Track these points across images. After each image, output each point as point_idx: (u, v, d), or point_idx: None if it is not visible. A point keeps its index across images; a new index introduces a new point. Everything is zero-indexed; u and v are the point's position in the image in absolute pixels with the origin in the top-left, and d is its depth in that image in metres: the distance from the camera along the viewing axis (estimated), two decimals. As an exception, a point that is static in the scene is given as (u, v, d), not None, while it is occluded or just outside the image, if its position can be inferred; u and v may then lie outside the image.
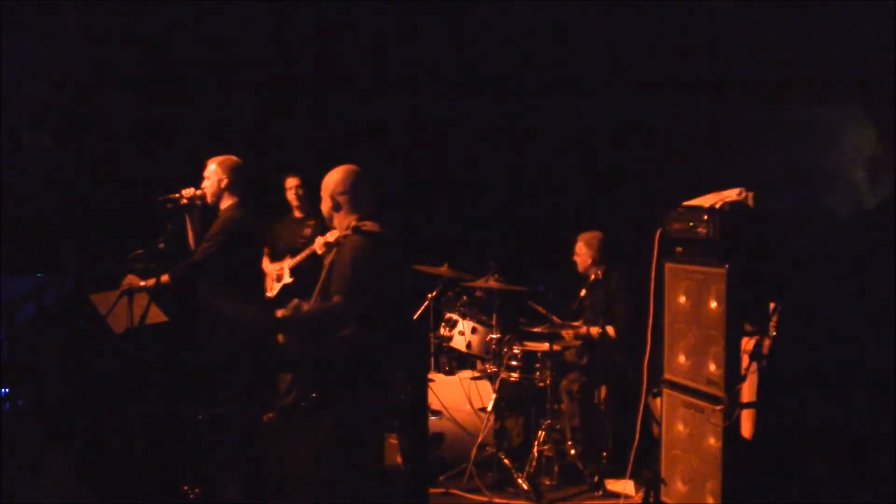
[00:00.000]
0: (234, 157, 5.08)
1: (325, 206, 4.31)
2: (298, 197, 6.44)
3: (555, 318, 6.18)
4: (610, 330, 5.94)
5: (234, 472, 4.98)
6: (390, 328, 4.21)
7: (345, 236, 4.20)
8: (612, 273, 6.07)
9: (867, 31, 4.94)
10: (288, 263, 6.33)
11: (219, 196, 5.04)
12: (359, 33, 7.61)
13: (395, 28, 7.65)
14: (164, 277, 4.84)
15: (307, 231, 6.34)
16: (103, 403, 6.07)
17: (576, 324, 6.16)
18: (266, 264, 6.39)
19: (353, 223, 4.20)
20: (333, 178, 4.28)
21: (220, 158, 5.06)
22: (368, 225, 4.18)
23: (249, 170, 5.11)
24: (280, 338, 4.26)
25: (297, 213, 6.52)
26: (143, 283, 4.88)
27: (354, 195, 4.25)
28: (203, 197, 5.03)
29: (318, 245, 5.93)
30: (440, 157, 7.79)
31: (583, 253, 6.14)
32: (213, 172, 5.03)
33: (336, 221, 4.31)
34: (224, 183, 5.01)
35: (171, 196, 4.97)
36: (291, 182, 6.44)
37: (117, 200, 6.89)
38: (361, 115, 7.58)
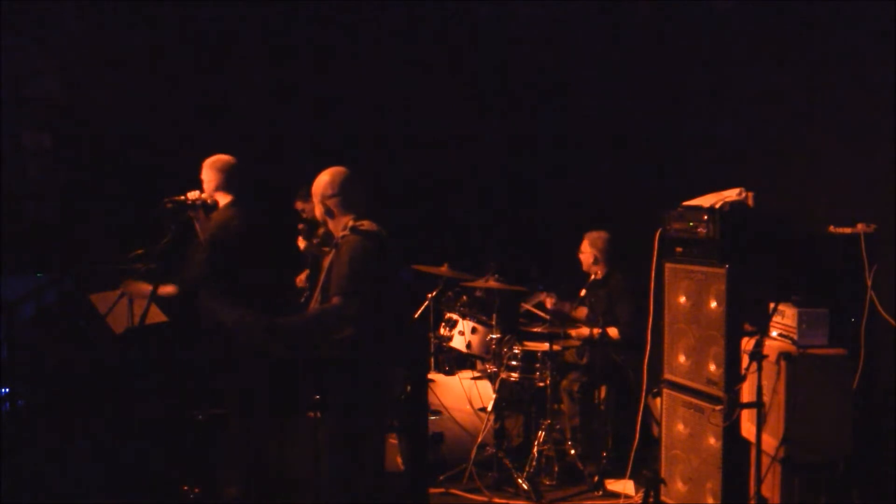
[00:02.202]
0: (224, 157, 5.05)
1: (318, 210, 4.28)
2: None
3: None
4: (612, 332, 5.95)
5: (234, 472, 4.98)
6: (389, 327, 4.20)
7: (342, 237, 4.19)
8: (614, 275, 6.08)
9: (867, 31, 4.94)
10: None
11: (215, 196, 5.03)
12: (358, 34, 7.62)
13: (395, 29, 7.66)
14: (170, 288, 4.82)
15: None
16: (103, 404, 6.06)
17: (581, 314, 6.17)
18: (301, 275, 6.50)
19: (350, 223, 4.18)
20: (322, 182, 4.25)
21: (209, 159, 5.05)
22: (366, 224, 4.17)
23: (243, 167, 5.07)
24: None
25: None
26: (145, 290, 4.83)
27: (345, 196, 4.22)
28: (206, 200, 5.02)
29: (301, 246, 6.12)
30: (441, 157, 7.80)
31: (587, 252, 6.16)
32: (205, 174, 5.03)
33: (331, 224, 4.28)
34: (215, 183, 5.00)
35: (176, 199, 4.95)
36: (299, 206, 6.49)
37: (117, 200, 6.88)
38: (362, 116, 7.58)
